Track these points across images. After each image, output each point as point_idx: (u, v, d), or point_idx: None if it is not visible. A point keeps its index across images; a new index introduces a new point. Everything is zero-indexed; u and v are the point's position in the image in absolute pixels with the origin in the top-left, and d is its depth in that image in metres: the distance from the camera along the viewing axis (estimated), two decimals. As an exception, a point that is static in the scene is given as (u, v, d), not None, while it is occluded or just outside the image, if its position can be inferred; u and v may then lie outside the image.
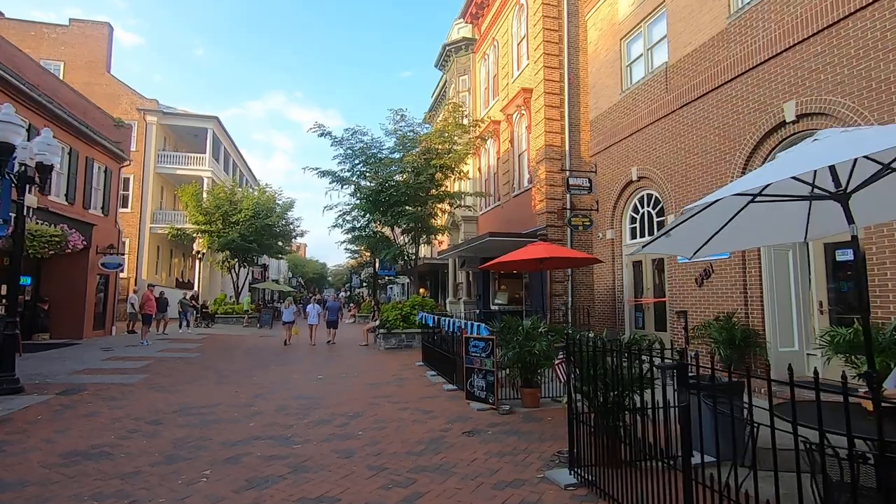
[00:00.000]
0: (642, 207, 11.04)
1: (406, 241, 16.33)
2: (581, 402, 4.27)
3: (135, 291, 18.27)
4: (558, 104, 15.49)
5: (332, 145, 15.66)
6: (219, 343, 16.35)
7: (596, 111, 12.98)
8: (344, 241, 17.22)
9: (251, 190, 29.25)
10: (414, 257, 16.08)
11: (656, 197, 10.42)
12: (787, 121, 7.15)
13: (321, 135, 15.52)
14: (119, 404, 7.07)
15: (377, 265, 23.37)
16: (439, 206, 16.74)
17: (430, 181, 14.38)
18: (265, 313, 25.19)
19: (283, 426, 5.91)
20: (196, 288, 28.73)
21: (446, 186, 15.72)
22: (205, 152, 29.93)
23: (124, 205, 28.11)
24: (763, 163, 7.49)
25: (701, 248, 3.88)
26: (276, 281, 51.79)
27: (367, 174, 14.50)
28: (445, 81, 25.08)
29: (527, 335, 6.64)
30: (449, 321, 8.28)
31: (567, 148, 15.29)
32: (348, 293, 47.03)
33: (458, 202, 16.31)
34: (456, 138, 15.31)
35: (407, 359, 12.19)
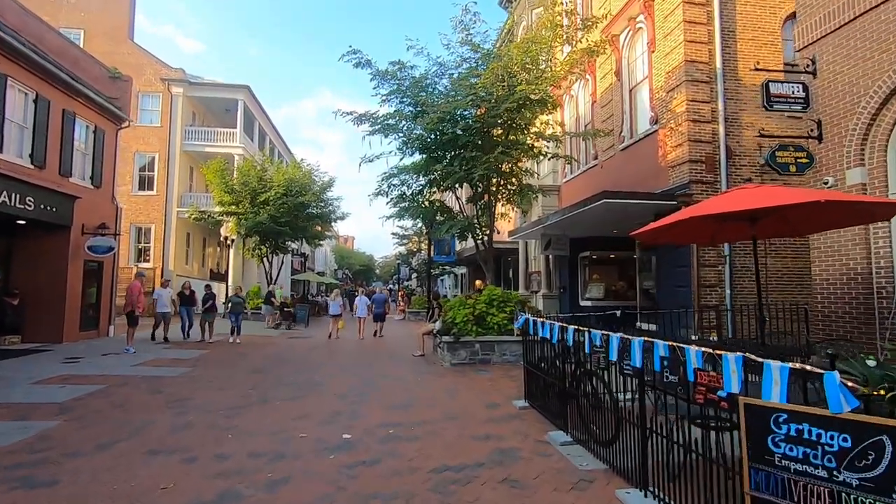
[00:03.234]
0: (946, 117, 5.86)
1: (478, 210, 11.65)
2: None
3: (164, 285, 14.46)
4: (703, 0, 10.40)
5: (371, 80, 11.23)
6: (230, 351, 12.41)
7: (814, -32, 7.71)
8: (390, 217, 12.76)
9: (283, 164, 25.57)
10: (489, 232, 11.37)
11: None
12: None
13: (357, 64, 11.12)
14: None
15: (432, 249, 18.90)
16: (520, 163, 11.95)
17: (515, 111, 9.57)
18: (299, 309, 21.36)
19: None
20: (230, 279, 25.47)
21: (536, 127, 10.85)
22: (235, 127, 26.56)
23: (149, 187, 25.26)
24: None
25: None
26: (321, 273, 48.83)
27: (427, 112, 9.83)
28: (513, 22, 20.18)
29: None
30: (643, 346, 3.52)
31: (719, 64, 10.17)
32: (396, 285, 43.14)
33: (556, 146, 11.42)
34: (553, 50, 10.41)
35: (490, 387, 7.60)
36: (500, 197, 11.36)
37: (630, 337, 3.61)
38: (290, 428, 5.47)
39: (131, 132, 25.18)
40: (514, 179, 11.18)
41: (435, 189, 12.23)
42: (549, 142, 10.62)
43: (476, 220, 11.29)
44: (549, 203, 17.15)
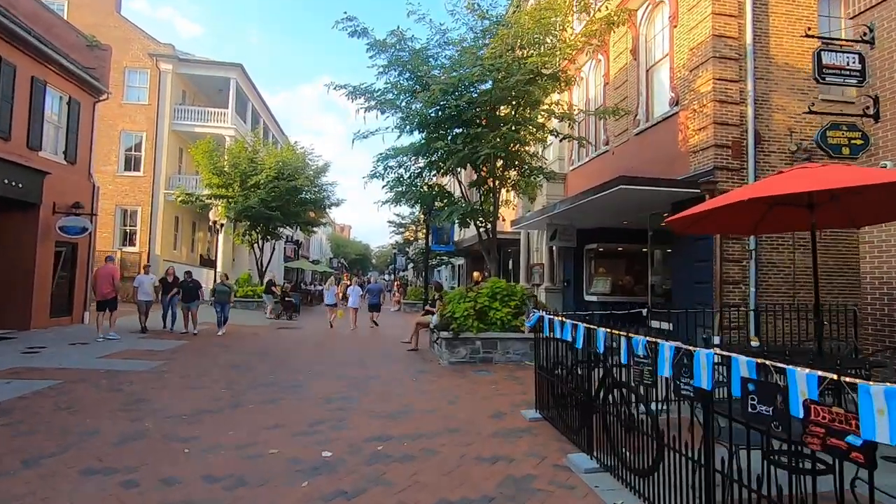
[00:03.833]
0: None
1: (481, 195, 10.74)
2: None
3: (145, 271, 13.22)
4: (734, -31, 9.46)
5: (368, 52, 10.26)
6: (211, 343, 11.55)
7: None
8: (385, 202, 11.84)
9: (276, 146, 24.57)
10: (492, 219, 10.49)
11: None
12: None
13: (353, 33, 10.16)
14: None
15: (429, 238, 18.02)
16: (526, 147, 11.04)
17: (526, 84, 8.61)
18: (294, 297, 20.45)
19: None
20: (218, 266, 24.48)
21: (546, 106, 9.90)
22: (227, 107, 25.44)
23: (136, 168, 24.20)
24: None
25: None
26: (316, 261, 47.92)
27: (429, 84, 8.93)
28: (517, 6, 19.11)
29: None
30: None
31: (749, 39, 9.27)
32: (391, 275, 42.28)
33: (568, 126, 10.50)
34: (567, 19, 9.45)
35: (494, 392, 6.76)
36: (505, 181, 10.45)
37: (690, 347, 2.77)
38: (260, 440, 4.63)
39: (117, 110, 24.10)
40: (519, 161, 10.22)
41: (434, 172, 11.33)
42: (561, 120, 9.66)
43: (480, 206, 10.40)
44: (555, 192, 16.29)
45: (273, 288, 18.95)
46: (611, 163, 12.99)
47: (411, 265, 43.81)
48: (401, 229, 34.51)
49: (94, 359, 8.58)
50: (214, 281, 20.55)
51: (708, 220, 5.33)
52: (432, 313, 11.44)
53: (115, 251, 22.34)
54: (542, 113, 9.50)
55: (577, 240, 14.07)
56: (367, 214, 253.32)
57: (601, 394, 4.14)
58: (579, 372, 4.48)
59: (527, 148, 10.98)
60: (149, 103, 24.30)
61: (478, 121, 9.00)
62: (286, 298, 19.13)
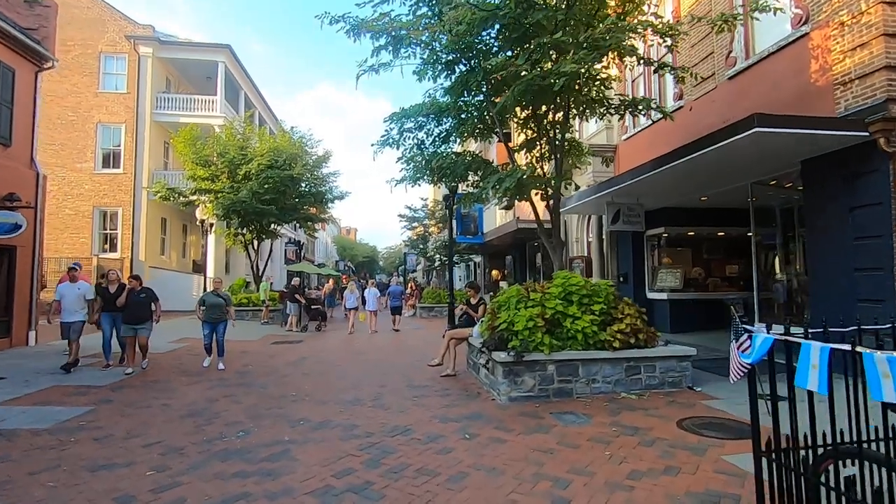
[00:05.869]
0: None
1: (537, 158, 7.91)
2: None
3: (71, 279, 8.47)
4: None
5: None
6: (177, 371, 8.78)
7: None
8: (401, 181, 9.03)
9: (270, 133, 21.89)
10: (556, 186, 7.60)
11: None
12: None
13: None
14: None
15: (454, 228, 15.15)
16: (603, 70, 8.15)
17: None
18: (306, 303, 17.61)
19: None
20: (209, 271, 21.73)
21: (631, 19, 6.97)
22: (216, 94, 22.78)
23: (115, 164, 21.59)
24: None
25: None
26: (321, 264, 45.26)
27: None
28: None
29: None
30: None
31: (928, -87, 6.35)
32: (402, 276, 39.53)
33: (670, 48, 7.58)
34: None
35: (611, 466, 3.88)
36: (570, 140, 7.55)
37: None
38: None
39: (93, 99, 21.51)
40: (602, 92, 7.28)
41: (465, 134, 8.54)
42: (662, 37, 6.71)
43: (541, 170, 7.50)
44: (603, 168, 13.46)
45: (297, 295, 15.85)
46: (687, 123, 10.13)
47: (421, 264, 41.04)
48: (413, 223, 31.65)
49: (-12, 407, 5.85)
50: (205, 288, 17.74)
51: None
52: (471, 316, 8.64)
53: (91, 258, 19.84)
54: (619, 29, 6.42)
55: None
56: (374, 217, 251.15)
57: None
58: None
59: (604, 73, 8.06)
60: (128, 92, 21.72)
61: (549, 24, 5.99)
62: (313, 307, 16.26)
